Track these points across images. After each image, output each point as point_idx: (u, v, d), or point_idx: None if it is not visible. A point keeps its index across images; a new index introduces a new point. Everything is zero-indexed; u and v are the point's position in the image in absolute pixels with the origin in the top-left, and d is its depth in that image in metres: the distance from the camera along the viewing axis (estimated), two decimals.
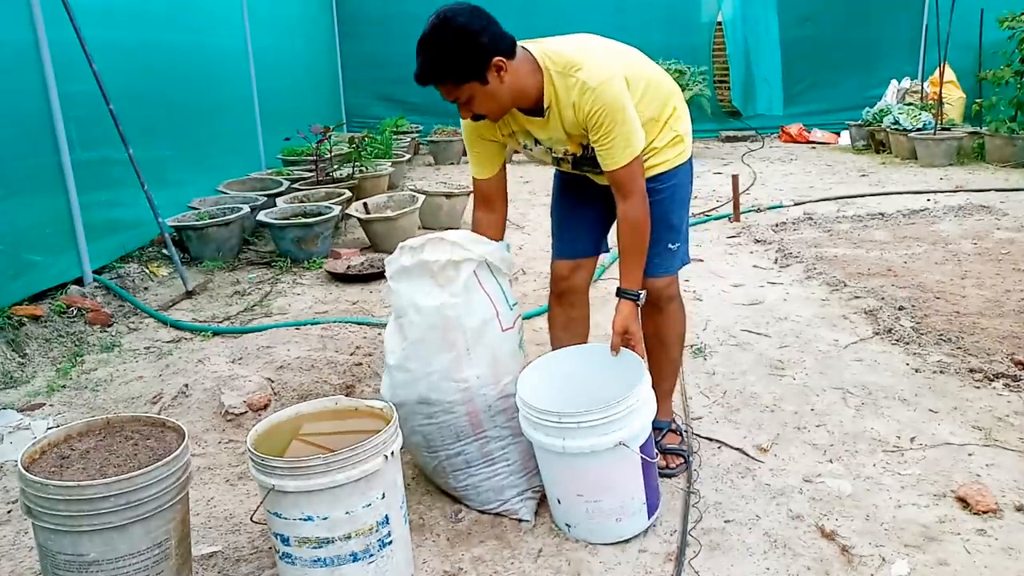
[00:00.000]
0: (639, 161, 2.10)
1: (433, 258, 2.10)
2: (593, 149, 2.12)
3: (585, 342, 2.54)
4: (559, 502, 2.10)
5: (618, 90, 2.03)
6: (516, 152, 2.45)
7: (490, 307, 2.14)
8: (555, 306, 2.53)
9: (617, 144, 2.05)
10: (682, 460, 2.44)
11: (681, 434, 2.55)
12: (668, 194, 2.27)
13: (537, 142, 2.22)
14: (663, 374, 2.47)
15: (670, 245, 2.31)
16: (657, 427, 2.40)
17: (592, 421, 1.92)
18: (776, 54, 10.31)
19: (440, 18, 1.94)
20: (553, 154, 2.24)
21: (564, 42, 2.14)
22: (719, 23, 10.57)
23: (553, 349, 2.57)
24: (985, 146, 7.91)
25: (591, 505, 2.02)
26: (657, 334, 2.43)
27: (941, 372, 3.01)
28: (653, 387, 2.31)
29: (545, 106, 2.09)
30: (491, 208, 2.34)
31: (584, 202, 2.42)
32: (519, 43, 2.07)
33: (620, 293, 2.20)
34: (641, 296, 2.19)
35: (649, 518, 2.10)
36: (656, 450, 2.41)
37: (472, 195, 2.41)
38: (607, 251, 2.54)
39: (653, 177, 2.23)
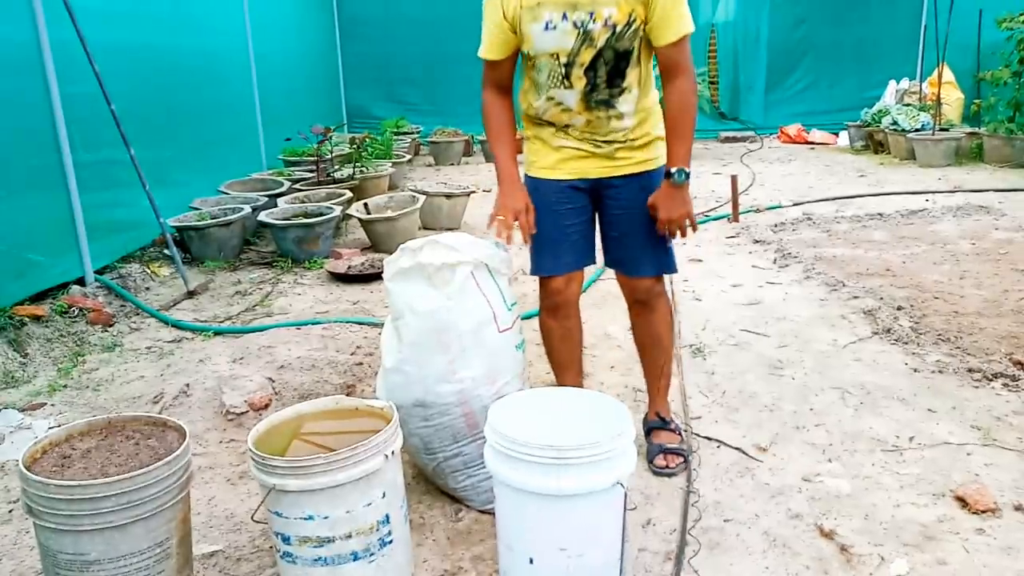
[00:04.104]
0: (688, 39, 2.13)
1: (429, 260, 2.11)
2: (631, 28, 2.08)
3: (582, 349, 2.54)
4: (531, 562, 1.77)
5: None
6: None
7: (487, 309, 2.15)
8: (549, 320, 2.48)
9: (679, 11, 2.07)
10: (682, 459, 2.43)
11: (680, 433, 2.55)
12: None
13: (565, 16, 2.08)
14: (661, 370, 2.49)
15: (669, 243, 2.32)
16: (653, 427, 2.48)
17: (592, 456, 1.68)
18: (763, 62, 10.34)
19: None
20: (589, 23, 2.08)
21: None
22: (713, 25, 10.61)
23: (551, 361, 2.57)
24: (983, 146, 7.92)
25: (573, 562, 1.74)
26: (651, 333, 2.44)
27: (940, 372, 3.02)
28: (651, 383, 2.34)
29: None
30: (503, 92, 2.30)
31: (568, 219, 2.34)
32: None
33: (670, 175, 2.17)
34: (688, 175, 2.18)
35: None
36: (657, 449, 2.41)
37: (484, 81, 2.31)
38: (594, 262, 2.45)
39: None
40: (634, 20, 2.08)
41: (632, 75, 2.17)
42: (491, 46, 2.22)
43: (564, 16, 2.09)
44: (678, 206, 2.21)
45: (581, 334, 2.57)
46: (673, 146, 2.19)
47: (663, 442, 2.46)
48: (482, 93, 2.31)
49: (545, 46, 2.14)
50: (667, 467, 2.39)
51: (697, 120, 2.27)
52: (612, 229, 2.37)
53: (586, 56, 2.13)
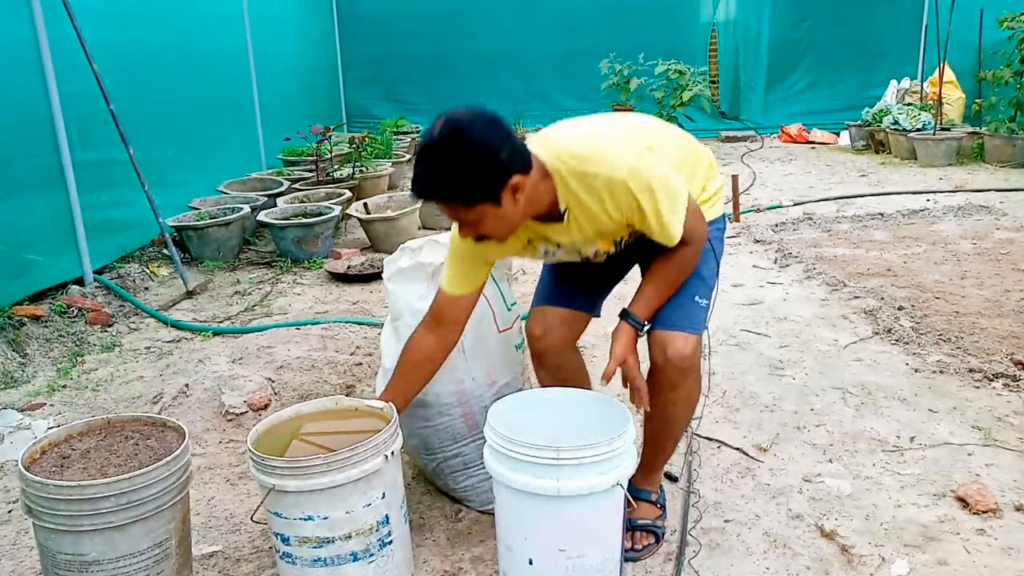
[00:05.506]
0: (693, 210, 1.84)
1: (428, 260, 2.10)
2: (626, 241, 1.92)
3: (588, 381, 2.31)
4: (531, 563, 1.77)
5: (647, 165, 1.76)
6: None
7: (486, 308, 2.14)
8: (541, 371, 2.16)
9: (670, 218, 1.78)
10: (653, 539, 2.06)
11: (663, 507, 2.16)
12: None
13: (559, 245, 1.93)
14: (661, 452, 2.12)
15: (697, 297, 1.96)
16: (636, 495, 2.03)
17: (593, 457, 1.67)
18: (763, 61, 10.34)
19: (451, 127, 1.60)
20: (583, 254, 1.97)
21: (572, 135, 1.86)
22: (714, 24, 10.62)
23: None
24: (984, 146, 7.91)
25: (573, 562, 1.74)
26: (664, 413, 1.99)
27: (941, 372, 3.02)
28: (645, 455, 2.10)
29: (562, 209, 1.79)
30: (444, 328, 1.95)
31: (584, 269, 2.13)
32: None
33: (625, 316, 1.90)
34: (645, 329, 1.93)
35: None
36: (627, 525, 1.99)
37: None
38: (597, 315, 2.20)
39: None
40: (622, 241, 1.92)
41: None
42: (456, 277, 1.93)
43: (559, 246, 1.93)
44: (621, 347, 1.86)
45: (585, 374, 2.25)
46: (644, 288, 1.91)
47: (637, 517, 2.05)
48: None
49: (551, 262, 2.07)
50: (633, 548, 2.01)
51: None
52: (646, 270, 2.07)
53: (600, 258, 2.00)
